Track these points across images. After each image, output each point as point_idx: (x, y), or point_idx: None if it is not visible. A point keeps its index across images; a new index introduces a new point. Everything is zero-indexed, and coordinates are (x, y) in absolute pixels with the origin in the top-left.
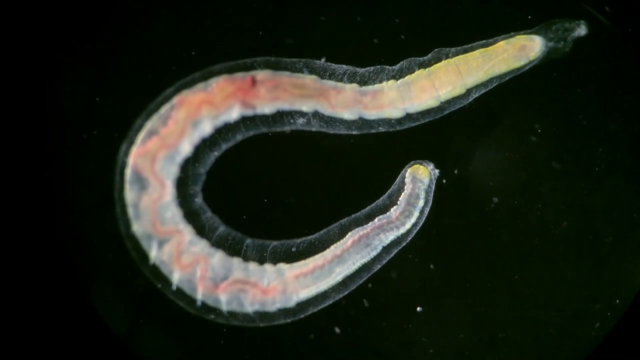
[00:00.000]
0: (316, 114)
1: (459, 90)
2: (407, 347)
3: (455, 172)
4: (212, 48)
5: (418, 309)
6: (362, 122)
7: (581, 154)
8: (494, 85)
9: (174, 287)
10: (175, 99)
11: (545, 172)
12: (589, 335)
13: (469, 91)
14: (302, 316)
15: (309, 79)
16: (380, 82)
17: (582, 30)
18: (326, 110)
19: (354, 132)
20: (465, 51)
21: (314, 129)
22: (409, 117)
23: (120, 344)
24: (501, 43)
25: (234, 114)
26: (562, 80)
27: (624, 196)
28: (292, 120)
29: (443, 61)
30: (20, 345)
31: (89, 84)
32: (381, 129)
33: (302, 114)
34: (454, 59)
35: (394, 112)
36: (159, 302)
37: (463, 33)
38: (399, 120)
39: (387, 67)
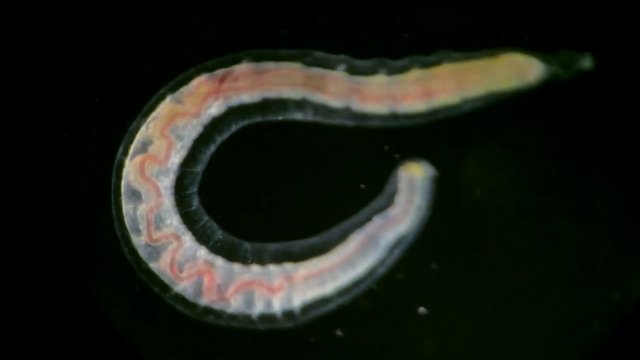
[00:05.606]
0: (307, 102)
1: (453, 99)
2: (405, 350)
3: (450, 168)
4: (210, 48)
5: (421, 309)
6: (352, 113)
7: (577, 158)
8: (491, 101)
9: (173, 294)
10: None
11: (541, 176)
12: (587, 339)
13: (464, 101)
14: (305, 319)
15: (296, 66)
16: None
17: (586, 63)
18: (312, 96)
19: (349, 124)
20: (470, 58)
21: (308, 119)
22: (399, 115)
23: (123, 342)
24: (503, 58)
25: (214, 110)
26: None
27: (621, 200)
28: (283, 109)
29: (444, 65)
30: (24, 344)
31: (87, 83)
32: (376, 123)
33: (293, 102)
34: (456, 65)
35: (379, 107)
36: (159, 301)
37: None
38: (392, 116)
39: (389, 61)
